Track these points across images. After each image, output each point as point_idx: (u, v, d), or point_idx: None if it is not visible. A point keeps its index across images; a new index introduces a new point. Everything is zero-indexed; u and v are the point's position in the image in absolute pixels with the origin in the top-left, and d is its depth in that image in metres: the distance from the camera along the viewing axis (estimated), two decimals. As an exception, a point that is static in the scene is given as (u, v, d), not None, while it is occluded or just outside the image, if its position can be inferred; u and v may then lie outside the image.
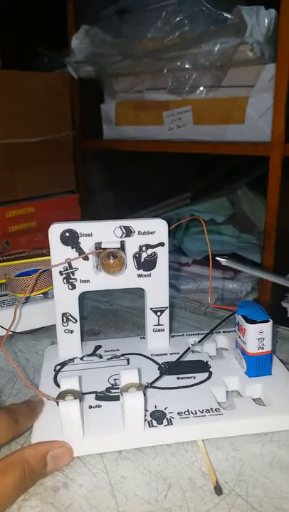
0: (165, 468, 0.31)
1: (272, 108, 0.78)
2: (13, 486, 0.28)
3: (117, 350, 0.44)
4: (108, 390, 0.37)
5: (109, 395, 0.37)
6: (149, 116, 0.95)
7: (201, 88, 0.87)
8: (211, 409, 0.34)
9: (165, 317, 0.43)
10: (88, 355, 0.43)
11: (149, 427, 0.33)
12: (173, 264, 0.99)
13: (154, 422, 0.33)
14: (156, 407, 0.35)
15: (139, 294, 0.45)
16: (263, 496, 0.29)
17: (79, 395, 0.33)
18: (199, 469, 0.31)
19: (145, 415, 0.34)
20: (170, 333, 0.45)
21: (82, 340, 0.44)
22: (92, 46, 0.94)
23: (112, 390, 0.37)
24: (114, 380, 0.38)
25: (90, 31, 0.94)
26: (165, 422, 0.33)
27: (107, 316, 0.55)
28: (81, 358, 0.42)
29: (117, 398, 0.36)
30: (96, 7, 0.96)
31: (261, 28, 0.78)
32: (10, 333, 0.48)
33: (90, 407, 0.35)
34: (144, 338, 0.45)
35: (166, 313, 0.43)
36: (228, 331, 0.46)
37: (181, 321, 0.54)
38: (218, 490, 0.29)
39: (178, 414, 0.34)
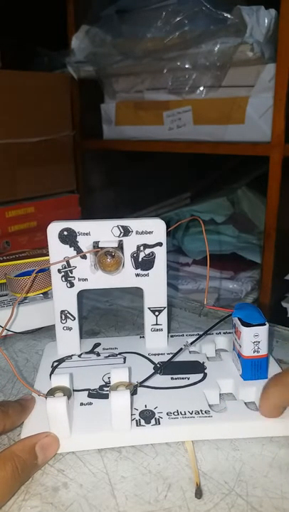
0: (165, 468, 0.31)
1: (272, 108, 0.78)
2: (5, 479, 0.28)
3: (115, 348, 0.44)
4: (101, 387, 0.37)
5: (101, 392, 0.37)
6: (149, 116, 0.95)
7: (201, 88, 0.87)
8: (201, 411, 0.34)
9: (163, 317, 0.43)
10: (86, 353, 0.43)
11: (137, 426, 0.33)
12: (172, 264, 0.99)
13: (142, 422, 0.33)
14: (146, 406, 0.35)
15: (138, 293, 0.45)
16: (263, 496, 0.29)
17: (68, 392, 0.33)
18: (199, 469, 0.31)
19: (134, 414, 0.34)
20: (169, 332, 0.45)
21: (81, 337, 0.44)
22: (92, 46, 0.94)
23: (105, 388, 0.37)
24: (108, 378, 0.38)
25: (90, 31, 0.94)
26: (153, 421, 0.33)
27: (107, 316, 0.55)
28: (79, 355, 0.43)
29: (108, 396, 0.36)
30: (96, 7, 0.95)
31: (261, 28, 0.77)
32: (9, 332, 0.48)
33: (82, 404, 0.35)
34: (143, 337, 0.45)
35: (164, 313, 0.43)
36: (229, 332, 0.45)
37: (181, 321, 0.54)
38: (198, 493, 0.29)
39: (167, 414, 0.34)
